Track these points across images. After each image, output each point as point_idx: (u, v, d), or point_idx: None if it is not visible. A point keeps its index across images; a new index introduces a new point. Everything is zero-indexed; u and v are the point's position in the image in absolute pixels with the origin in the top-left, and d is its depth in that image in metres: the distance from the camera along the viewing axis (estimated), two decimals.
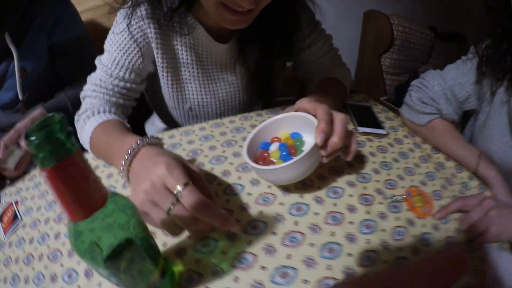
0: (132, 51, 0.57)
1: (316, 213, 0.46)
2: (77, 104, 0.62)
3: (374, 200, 0.49)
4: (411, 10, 1.64)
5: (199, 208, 0.34)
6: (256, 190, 0.50)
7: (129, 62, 0.58)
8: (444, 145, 0.60)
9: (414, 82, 0.69)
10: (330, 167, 0.54)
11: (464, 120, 0.72)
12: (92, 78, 0.60)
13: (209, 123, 0.66)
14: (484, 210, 0.45)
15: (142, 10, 0.56)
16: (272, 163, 0.48)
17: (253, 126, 0.61)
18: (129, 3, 0.55)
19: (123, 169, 0.41)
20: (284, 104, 0.68)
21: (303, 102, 0.49)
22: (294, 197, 0.49)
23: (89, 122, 0.55)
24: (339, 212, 0.46)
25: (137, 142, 0.41)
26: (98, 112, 0.56)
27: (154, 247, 0.33)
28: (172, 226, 0.35)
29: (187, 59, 0.63)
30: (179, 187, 0.34)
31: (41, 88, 0.76)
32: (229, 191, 0.50)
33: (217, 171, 0.54)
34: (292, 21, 0.62)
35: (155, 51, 0.60)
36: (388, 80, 1.49)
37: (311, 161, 0.44)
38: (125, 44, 0.57)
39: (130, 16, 0.55)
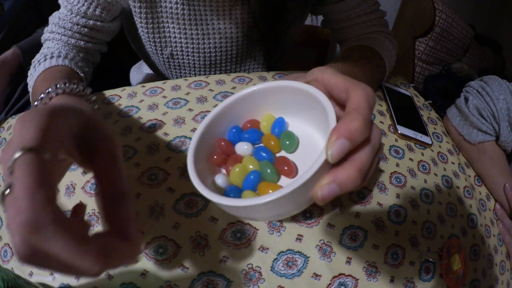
0: None
1: (317, 275, 0.29)
2: None
3: (404, 258, 0.31)
4: (455, 1, 1.46)
5: (35, 207, 0.15)
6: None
7: None
8: (488, 176, 0.48)
9: (473, 84, 0.53)
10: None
11: None
12: (51, 17, 0.49)
13: (188, 81, 0.47)
14: None
15: None
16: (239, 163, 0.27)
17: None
18: None
19: None
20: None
21: (325, 72, 0.26)
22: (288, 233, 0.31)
23: (38, 68, 0.43)
24: (352, 276, 0.30)
25: (48, 90, 0.30)
26: (52, 57, 0.44)
27: None
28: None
29: None
30: (17, 154, 0.16)
31: (21, 28, 0.68)
32: (182, 206, 0.32)
33: (173, 163, 0.35)
34: None
35: None
36: (418, 67, 1.31)
37: (304, 195, 0.22)
38: None
39: None
